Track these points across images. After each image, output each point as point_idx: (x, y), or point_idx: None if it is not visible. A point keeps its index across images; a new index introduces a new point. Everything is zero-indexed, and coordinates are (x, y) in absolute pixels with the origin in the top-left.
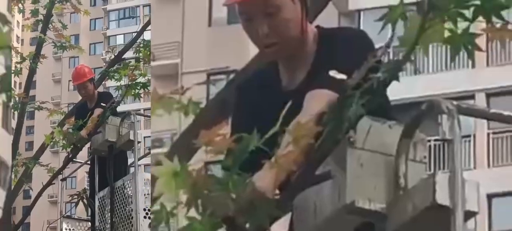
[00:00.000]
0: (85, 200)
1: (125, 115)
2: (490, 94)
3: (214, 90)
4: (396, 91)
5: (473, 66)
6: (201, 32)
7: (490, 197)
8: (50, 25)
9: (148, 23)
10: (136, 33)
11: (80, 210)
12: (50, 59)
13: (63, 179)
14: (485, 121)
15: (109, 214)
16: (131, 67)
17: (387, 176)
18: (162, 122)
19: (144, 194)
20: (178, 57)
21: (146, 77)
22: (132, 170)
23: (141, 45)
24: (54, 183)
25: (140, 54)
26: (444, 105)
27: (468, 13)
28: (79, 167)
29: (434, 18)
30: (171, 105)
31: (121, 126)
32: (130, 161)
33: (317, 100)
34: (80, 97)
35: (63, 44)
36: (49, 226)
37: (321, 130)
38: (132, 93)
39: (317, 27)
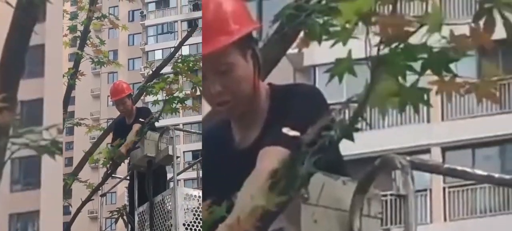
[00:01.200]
0: (124, 216)
1: (164, 130)
2: (446, 148)
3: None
4: (351, 147)
5: (429, 121)
6: None
7: None
8: (88, 41)
9: (185, 38)
10: (174, 48)
11: (120, 226)
12: (88, 75)
13: (103, 195)
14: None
15: (148, 229)
16: (168, 82)
17: None
18: None
19: (184, 209)
20: None
21: (184, 92)
22: (171, 184)
23: (179, 60)
24: (93, 199)
25: (178, 69)
26: (397, 161)
27: (417, 66)
28: (119, 183)
29: (383, 73)
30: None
31: (160, 140)
32: (169, 175)
33: (270, 158)
34: (118, 113)
35: (101, 60)
36: None
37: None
38: (170, 108)
39: (269, 84)
